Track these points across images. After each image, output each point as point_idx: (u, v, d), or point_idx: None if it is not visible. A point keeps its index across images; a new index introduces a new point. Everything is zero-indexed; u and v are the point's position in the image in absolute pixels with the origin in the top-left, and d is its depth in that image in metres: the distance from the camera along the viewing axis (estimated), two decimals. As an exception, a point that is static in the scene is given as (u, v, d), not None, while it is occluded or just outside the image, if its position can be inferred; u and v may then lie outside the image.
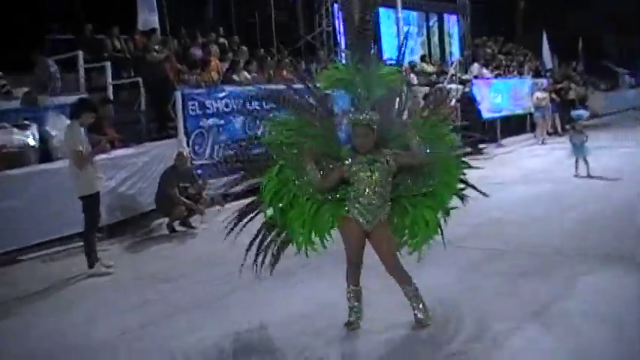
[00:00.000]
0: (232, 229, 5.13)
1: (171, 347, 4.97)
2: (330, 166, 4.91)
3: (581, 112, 13.24)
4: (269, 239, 5.18)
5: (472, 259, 6.59)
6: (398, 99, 5.21)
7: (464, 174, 5.28)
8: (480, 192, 5.39)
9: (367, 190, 4.74)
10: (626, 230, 7.58)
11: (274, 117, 5.31)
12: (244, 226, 5.16)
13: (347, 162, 4.79)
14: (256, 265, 5.13)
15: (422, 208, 4.90)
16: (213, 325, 5.37)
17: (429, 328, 4.84)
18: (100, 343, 5.20)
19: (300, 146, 4.96)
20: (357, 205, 4.78)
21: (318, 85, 5.23)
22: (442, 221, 5.10)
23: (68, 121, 8.52)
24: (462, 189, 5.26)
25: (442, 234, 5.19)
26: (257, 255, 5.15)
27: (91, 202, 7.40)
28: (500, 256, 6.83)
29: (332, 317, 5.14)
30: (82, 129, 7.47)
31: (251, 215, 5.21)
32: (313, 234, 4.94)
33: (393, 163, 4.76)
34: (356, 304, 5.01)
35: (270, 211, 5.04)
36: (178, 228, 9.58)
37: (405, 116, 5.24)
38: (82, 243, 8.54)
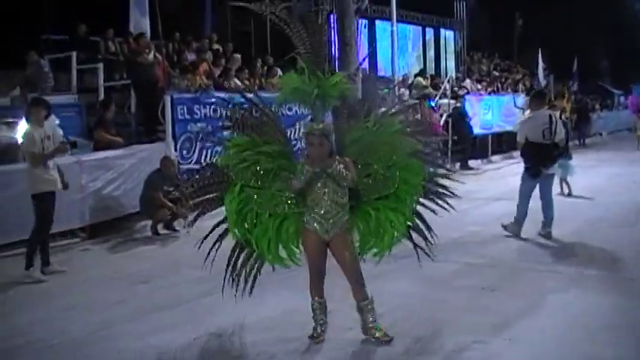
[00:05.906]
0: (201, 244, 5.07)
1: (134, 347, 5.03)
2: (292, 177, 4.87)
3: None
4: (243, 258, 5.14)
5: (443, 273, 6.66)
6: (358, 106, 5.22)
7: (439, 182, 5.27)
8: (449, 194, 5.26)
9: (322, 200, 4.78)
10: (598, 249, 7.71)
11: (231, 138, 5.18)
12: (215, 248, 5.05)
13: (302, 173, 4.75)
14: (233, 282, 5.08)
15: (385, 210, 4.92)
16: (179, 327, 5.43)
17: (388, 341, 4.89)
18: (65, 340, 5.25)
19: (260, 164, 4.95)
20: (314, 216, 4.82)
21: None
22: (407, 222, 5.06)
23: (57, 121, 8.66)
24: (435, 193, 5.21)
25: (412, 240, 5.22)
26: (232, 275, 5.09)
27: (39, 202, 7.25)
28: (472, 270, 6.95)
29: (297, 324, 5.21)
30: (41, 129, 7.28)
31: (221, 234, 5.13)
32: (280, 248, 5.00)
33: (343, 170, 4.72)
34: (321, 316, 5.03)
35: (237, 232, 4.99)
36: (162, 231, 9.64)
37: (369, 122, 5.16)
38: (65, 241, 8.65)
